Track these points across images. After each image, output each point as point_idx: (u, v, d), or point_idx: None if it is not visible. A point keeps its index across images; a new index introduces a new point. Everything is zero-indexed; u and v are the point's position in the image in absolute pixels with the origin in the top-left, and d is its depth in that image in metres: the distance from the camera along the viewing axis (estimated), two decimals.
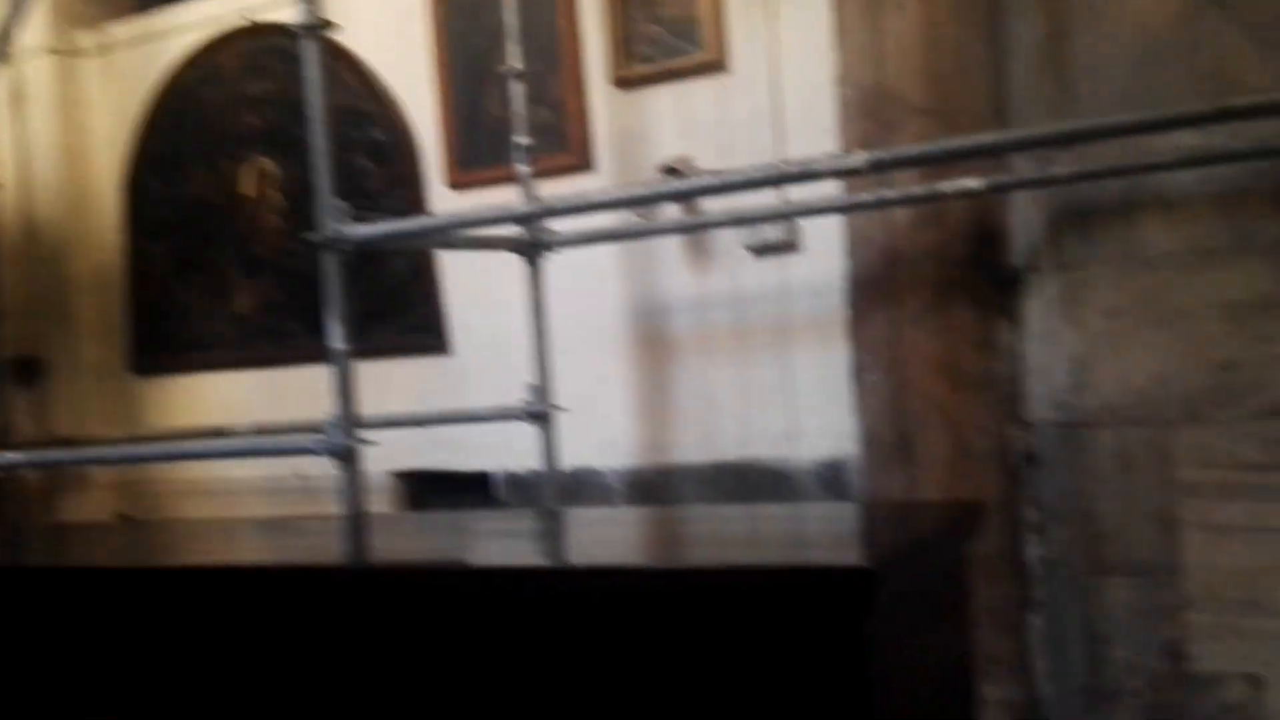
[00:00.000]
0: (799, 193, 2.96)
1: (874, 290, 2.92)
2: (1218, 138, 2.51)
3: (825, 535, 1.95)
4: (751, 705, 1.41)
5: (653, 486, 3.35)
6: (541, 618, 1.52)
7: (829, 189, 2.96)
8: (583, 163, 3.44)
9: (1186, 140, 2.54)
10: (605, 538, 2.09)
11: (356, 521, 2.36)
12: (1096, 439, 2.74)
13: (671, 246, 3.35)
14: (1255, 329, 2.58)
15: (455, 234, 2.97)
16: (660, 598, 1.46)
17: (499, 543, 2.08)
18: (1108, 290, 2.69)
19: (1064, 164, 2.66)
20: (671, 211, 3.21)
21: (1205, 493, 2.66)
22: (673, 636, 1.44)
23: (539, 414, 3.00)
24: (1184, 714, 2.77)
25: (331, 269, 2.47)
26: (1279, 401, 2.58)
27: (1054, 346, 2.78)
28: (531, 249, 3.02)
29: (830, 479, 3.10)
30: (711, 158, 3.25)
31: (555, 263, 3.19)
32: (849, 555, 1.72)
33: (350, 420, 2.39)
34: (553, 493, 3.00)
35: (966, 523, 1.98)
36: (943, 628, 1.89)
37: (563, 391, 3.14)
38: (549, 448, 3.01)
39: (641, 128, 3.41)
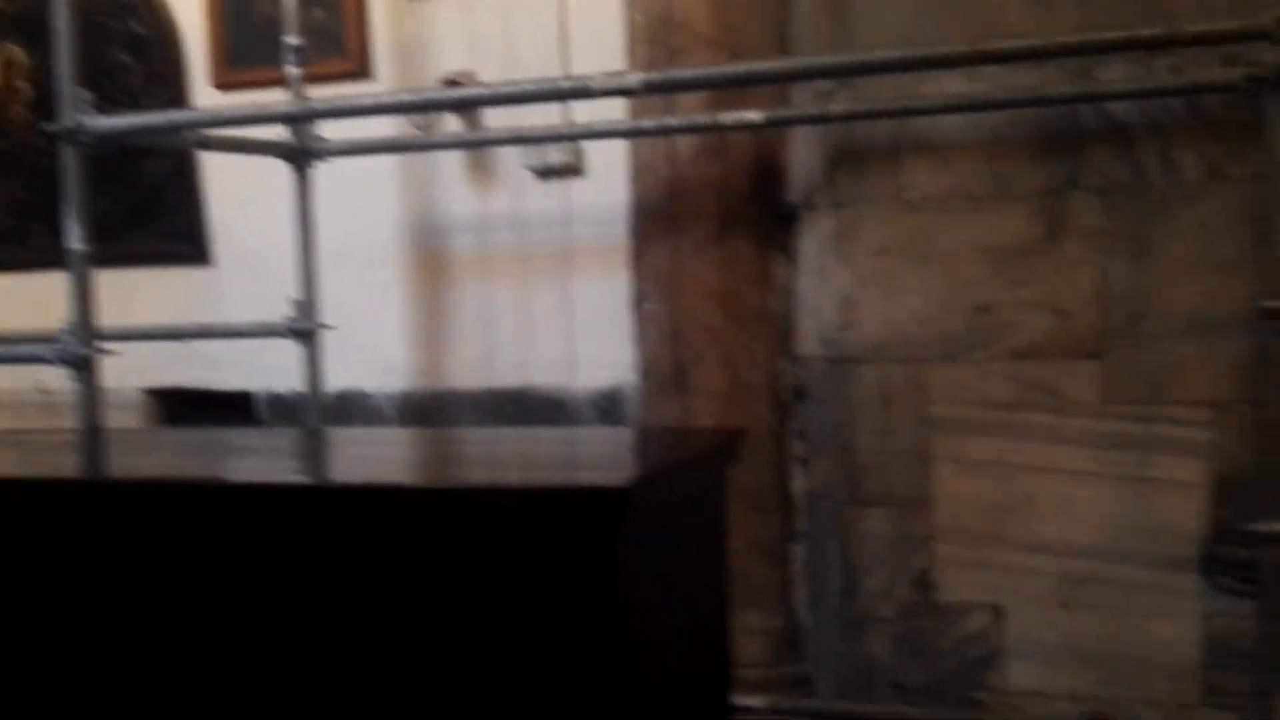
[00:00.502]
0: (583, 115, 2.96)
1: (656, 220, 2.95)
2: (982, 86, 2.65)
3: (582, 457, 1.98)
4: (509, 622, 1.43)
5: (426, 412, 3.30)
6: (292, 536, 1.49)
7: (615, 113, 2.97)
8: (360, 70, 3.31)
9: (953, 87, 2.67)
10: (364, 457, 2.06)
11: (92, 435, 2.24)
12: (860, 375, 2.87)
13: (452, 164, 3.28)
14: (1010, 274, 2.75)
15: (215, 135, 2.82)
16: (419, 516, 1.46)
17: (249, 460, 2.02)
18: (876, 230, 2.81)
19: (840, 103, 2.75)
20: (453, 126, 3.15)
21: (957, 429, 2.83)
22: (432, 555, 1.45)
23: (303, 331, 2.91)
24: (931, 641, 2.96)
25: (72, 163, 2.31)
26: (1029, 344, 2.77)
27: (825, 284, 2.89)
28: (299, 156, 2.90)
29: (608, 408, 3.13)
30: (496, 75, 3.17)
31: (328, 174, 3.08)
32: (602, 476, 1.75)
33: (88, 328, 2.25)
34: (317, 414, 2.92)
35: (725, 449, 2.04)
36: (698, 552, 1.94)
37: (332, 310, 3.05)
38: (313, 367, 2.92)
39: (425, 39, 3.30)
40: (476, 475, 1.86)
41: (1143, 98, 2.57)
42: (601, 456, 2.06)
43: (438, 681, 1.45)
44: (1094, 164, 2.67)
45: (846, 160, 2.80)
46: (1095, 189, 2.67)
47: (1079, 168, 2.68)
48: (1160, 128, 2.61)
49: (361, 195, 3.29)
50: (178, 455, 2.10)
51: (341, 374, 3.16)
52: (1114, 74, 2.62)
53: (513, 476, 1.77)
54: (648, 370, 3.00)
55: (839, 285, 2.86)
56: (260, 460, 2.00)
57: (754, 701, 2.91)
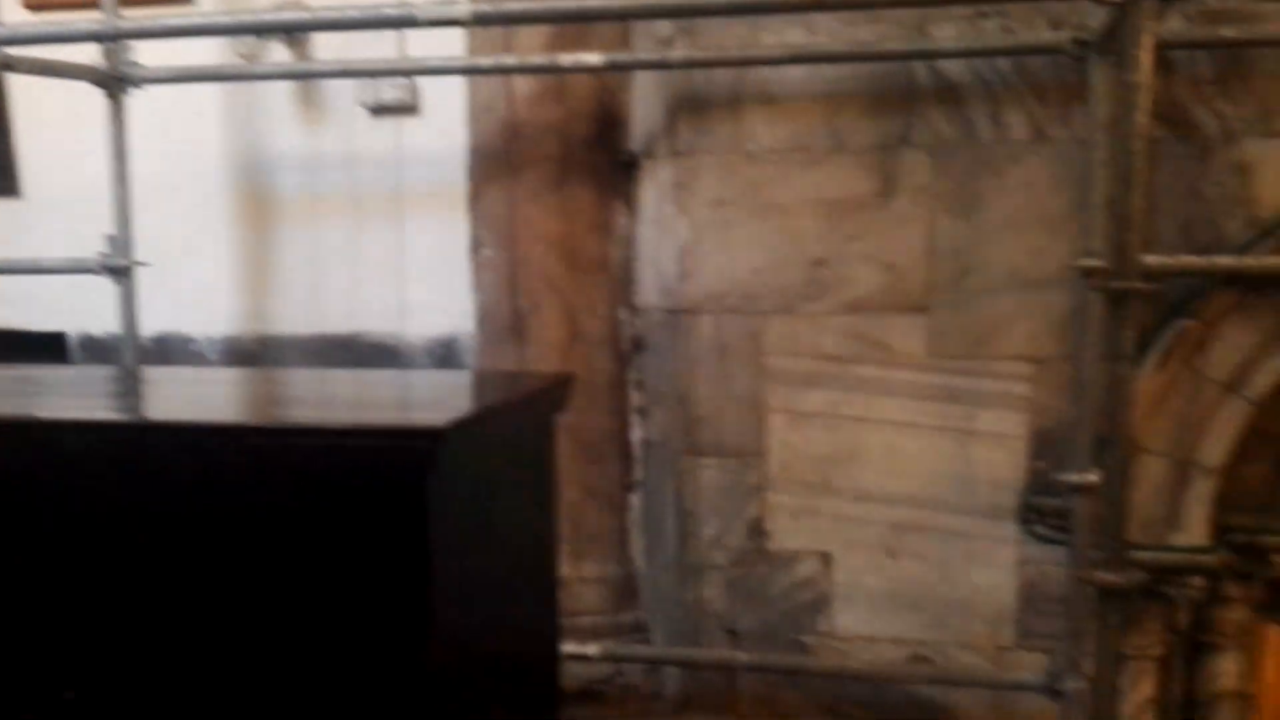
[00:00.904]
0: (420, 51, 2.89)
1: (494, 163, 2.91)
2: (821, 39, 2.68)
3: (402, 399, 1.96)
4: (323, 566, 1.42)
5: (251, 358, 3.21)
6: (106, 474, 1.46)
7: (453, 50, 2.90)
8: None
9: (793, 39, 2.69)
10: (179, 396, 2.00)
11: None
12: (698, 326, 2.90)
13: (280, 98, 3.17)
14: (844, 228, 2.80)
15: (21, 56, 2.65)
16: (230, 455, 1.44)
17: (58, 397, 1.93)
18: (715, 181, 2.83)
19: (680, 50, 2.75)
20: (280, 57, 3.04)
21: (791, 381, 2.89)
22: (247, 497, 1.43)
23: (118, 269, 2.78)
24: (763, 588, 3.05)
25: None
26: (861, 298, 2.83)
27: (665, 234, 2.90)
28: (112, 82, 2.75)
29: (444, 357, 3.10)
30: (332, 3, 3.08)
31: (147, 104, 2.94)
32: (418, 415, 1.73)
33: None
34: (133, 356, 2.81)
35: (553, 394, 2.04)
36: (525, 498, 1.94)
37: (151, 248, 2.92)
38: (129, 307, 2.80)
39: None
40: (291, 415, 1.83)
41: (973, 56, 2.64)
42: (423, 398, 2.04)
43: (251, 623, 1.44)
44: (926, 121, 2.73)
45: (687, 109, 2.81)
46: (927, 146, 2.74)
47: (912, 125, 2.74)
48: (990, 88, 2.69)
49: (183, 127, 3.16)
50: None
51: (162, 316, 3.04)
52: (947, 33, 2.68)
53: (328, 416, 1.75)
54: (484, 318, 2.98)
55: (678, 235, 2.88)
56: (71, 397, 1.92)
57: (588, 649, 2.95)
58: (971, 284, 2.77)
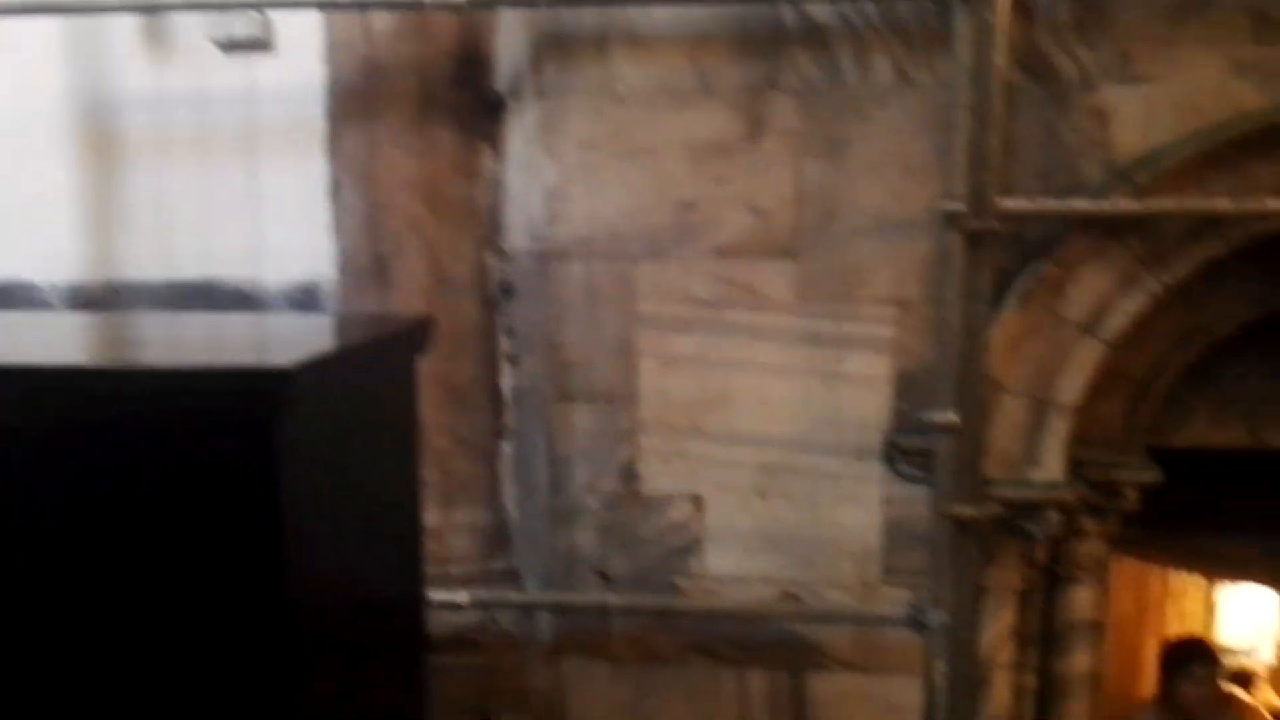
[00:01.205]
0: None
1: (352, 102, 2.82)
2: None
3: (252, 341, 1.92)
4: (173, 510, 1.39)
5: (100, 305, 3.08)
6: None
7: None
8: None
9: None
10: (13, 340, 1.91)
11: None
12: (567, 270, 2.88)
13: (125, 32, 3.01)
14: (713, 171, 2.80)
15: None
16: (74, 399, 1.39)
17: None
18: (583, 123, 2.80)
19: None
20: None
21: (662, 326, 2.91)
22: (93, 443, 1.39)
23: None
24: (635, 531, 3.08)
25: None
26: (730, 242, 2.85)
27: (532, 177, 2.86)
28: None
29: (303, 303, 3.02)
30: None
31: None
32: (265, 357, 1.70)
33: None
34: None
35: (411, 337, 2.02)
36: (386, 444, 1.92)
37: None
38: None
39: None
40: (135, 357, 1.77)
41: (839, 1, 2.65)
42: (275, 340, 2.01)
43: (99, 574, 1.41)
44: (793, 64, 2.73)
45: (553, 49, 2.76)
46: (794, 89, 2.74)
47: (779, 68, 2.74)
48: (856, 31, 2.70)
49: (22, 66, 3.00)
50: None
51: (2, 265, 2.91)
52: None
53: (173, 358, 1.71)
54: (346, 263, 2.91)
55: (545, 178, 2.84)
56: None
57: (459, 596, 2.95)
58: (838, 228, 2.81)
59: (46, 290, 3.09)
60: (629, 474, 3.02)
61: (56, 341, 1.91)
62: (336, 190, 2.89)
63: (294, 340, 1.96)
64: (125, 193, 3.09)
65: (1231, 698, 4.28)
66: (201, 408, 1.37)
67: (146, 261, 3.07)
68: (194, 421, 1.36)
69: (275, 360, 1.49)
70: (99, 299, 3.09)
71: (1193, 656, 3.42)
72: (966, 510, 2.44)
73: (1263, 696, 4.45)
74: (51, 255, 3.08)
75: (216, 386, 1.39)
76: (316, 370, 1.48)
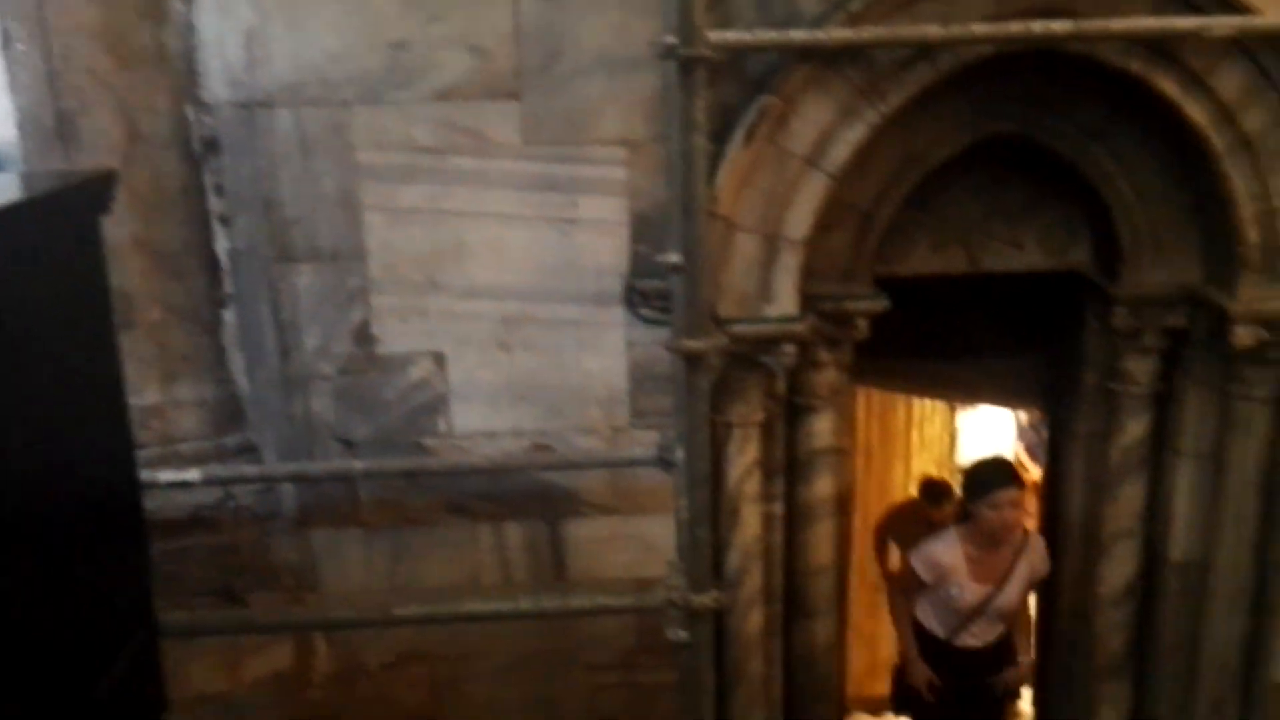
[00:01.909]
0: None
1: None
2: None
3: None
4: None
5: None
6: None
7: None
8: None
9: None
10: None
11: None
12: (275, 120, 2.73)
13: None
14: (425, 9, 2.68)
15: None
16: None
17: None
18: None
19: None
20: None
21: (384, 176, 2.81)
22: None
23: None
24: (376, 394, 3.02)
25: None
26: (449, 85, 2.76)
27: (227, 17, 2.67)
28: None
29: None
30: None
31: None
32: None
33: None
34: None
35: (88, 194, 1.87)
36: (66, 310, 1.79)
37: None
38: None
39: None
40: None
41: None
42: None
43: None
44: None
45: None
46: None
47: None
48: None
49: None
50: None
51: None
52: None
53: None
54: (25, 123, 2.66)
55: (241, 19, 2.65)
56: None
57: (190, 475, 2.84)
58: (562, 67, 2.76)
59: None
60: (364, 335, 2.95)
61: None
62: (7, 42, 2.63)
63: None
64: None
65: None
66: None
67: None
68: None
69: None
70: None
71: (993, 480, 3.53)
72: (694, 345, 2.47)
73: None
74: None
75: None
76: None
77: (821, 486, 3.35)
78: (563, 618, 3.13)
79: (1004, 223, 3.23)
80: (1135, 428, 3.31)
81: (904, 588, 3.95)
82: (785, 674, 3.55)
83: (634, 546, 3.17)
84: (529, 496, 3.14)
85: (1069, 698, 3.84)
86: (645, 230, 2.90)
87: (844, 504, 3.52)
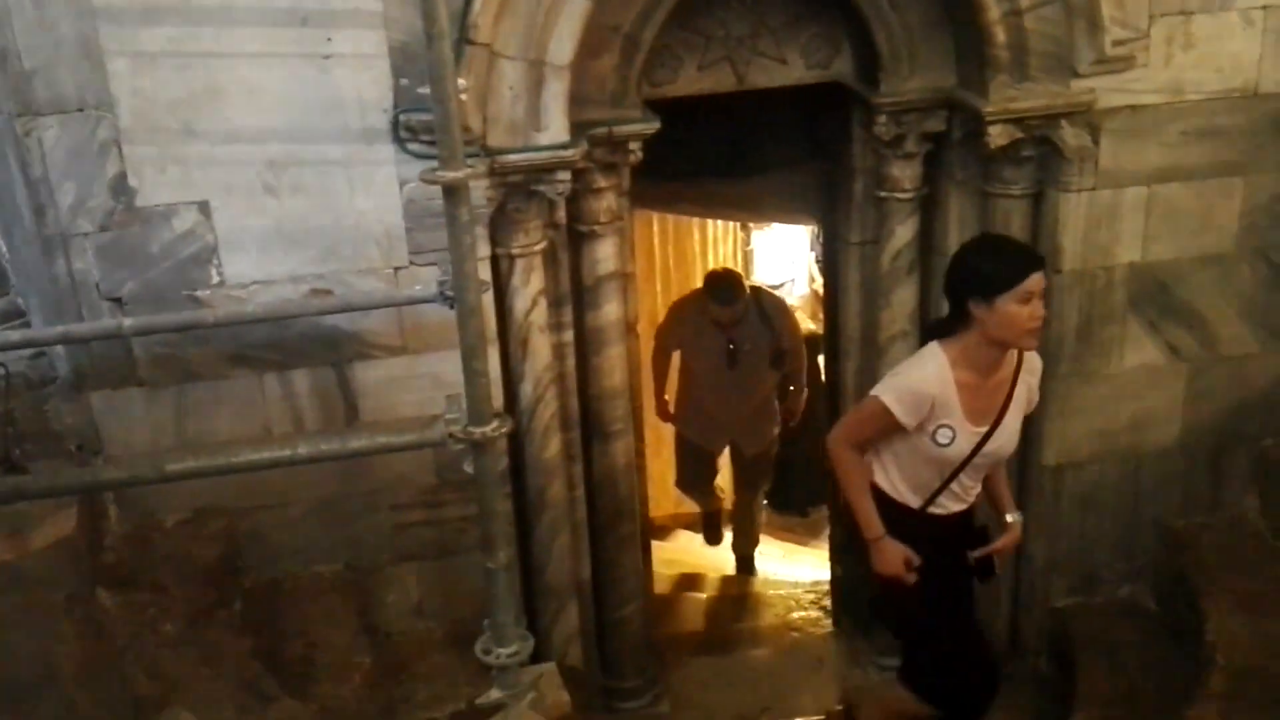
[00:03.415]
0: None
1: None
2: None
3: None
4: None
5: None
6: None
7: None
8: None
9: None
10: None
11: None
12: None
13: None
14: None
15: None
16: None
17: None
18: None
19: None
20: None
21: (124, 19, 2.80)
22: None
23: None
24: (141, 248, 3.05)
25: None
26: None
27: None
28: None
29: None
30: None
31: None
32: None
33: None
34: None
35: None
36: None
37: None
38: None
39: None
40: None
41: None
42: None
43: None
44: None
45: None
46: None
47: None
48: None
49: None
50: None
51: None
52: None
53: None
54: None
55: None
56: None
57: None
58: None
59: None
60: (121, 188, 2.97)
61: None
62: None
63: None
64: None
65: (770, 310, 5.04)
66: None
67: None
68: None
69: None
70: None
71: (1019, 263, 3.67)
72: (451, 175, 2.53)
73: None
74: None
75: None
76: None
77: (608, 311, 3.57)
78: (358, 460, 3.28)
79: (770, 39, 3.44)
80: (903, 233, 3.63)
81: (854, 439, 3.00)
82: (587, 497, 3.83)
83: (425, 385, 3.32)
84: (313, 342, 3.25)
85: None
86: (406, 63, 2.98)
87: (631, 327, 3.76)
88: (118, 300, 3.07)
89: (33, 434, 3.16)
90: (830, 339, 4.20)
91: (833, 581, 4.61)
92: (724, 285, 4.96)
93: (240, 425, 3.29)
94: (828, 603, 4.71)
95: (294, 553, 3.49)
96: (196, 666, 3.38)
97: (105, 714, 3.16)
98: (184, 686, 3.15)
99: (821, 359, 4.97)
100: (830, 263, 4.14)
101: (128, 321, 3.01)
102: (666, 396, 5.27)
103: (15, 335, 3.01)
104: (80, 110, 2.86)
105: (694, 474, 5.60)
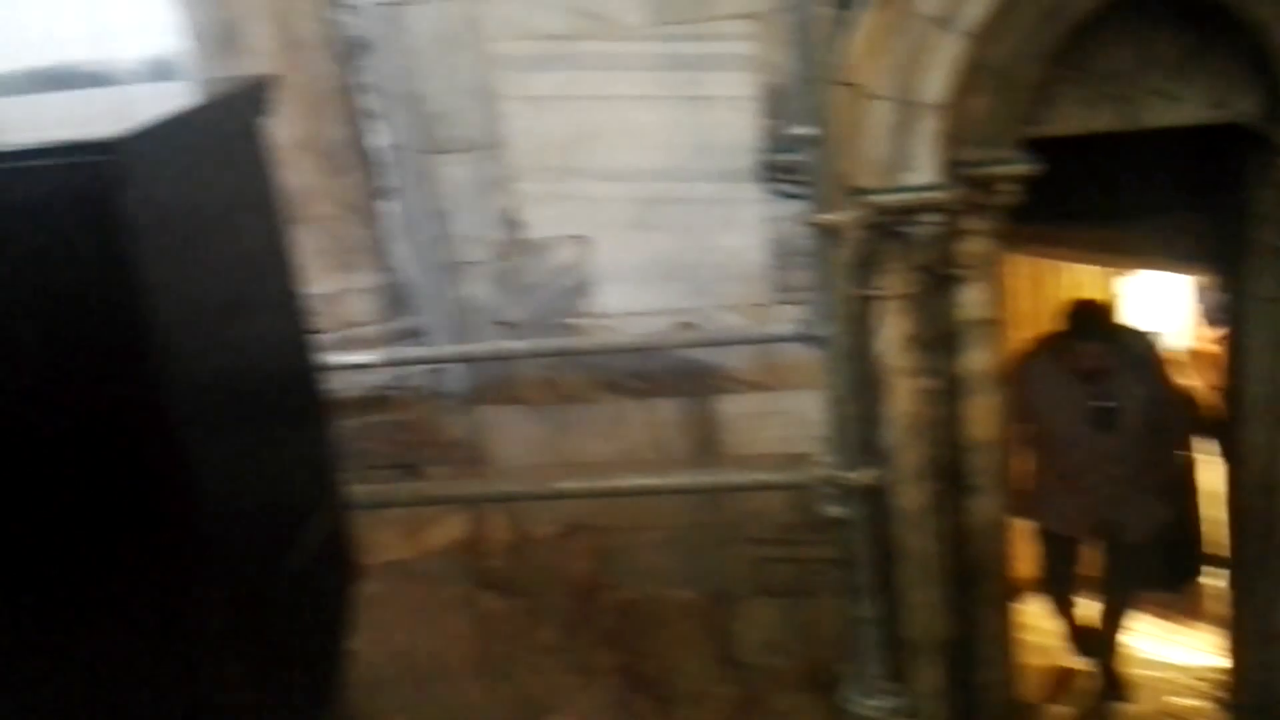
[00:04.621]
0: None
1: None
2: None
3: (82, 115, 1.97)
4: (29, 296, 1.43)
5: None
6: None
7: None
8: None
9: None
10: None
11: None
12: (415, 17, 2.98)
13: None
14: None
15: None
16: None
17: None
18: None
19: None
20: None
21: (518, 66, 3.03)
22: None
23: None
24: (525, 277, 3.28)
25: None
26: None
27: None
28: None
29: (159, 79, 3.14)
30: None
31: None
32: (96, 129, 1.55)
33: None
34: None
35: (249, 97, 2.01)
36: (240, 207, 1.94)
37: None
38: None
39: None
40: None
41: None
42: (109, 112, 2.05)
43: None
44: None
45: None
46: None
47: None
48: None
49: None
50: None
51: None
52: None
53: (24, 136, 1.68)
54: (198, 33, 3.01)
55: None
56: None
57: (368, 357, 3.18)
58: None
59: None
60: (512, 221, 3.20)
61: None
62: None
63: (128, 110, 1.94)
64: None
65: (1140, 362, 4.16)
66: (41, 187, 1.38)
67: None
68: (36, 202, 1.38)
69: (107, 131, 1.45)
70: None
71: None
72: (830, 218, 2.56)
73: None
74: None
75: (48, 164, 1.39)
76: (152, 138, 1.49)
77: (976, 359, 3.39)
78: (720, 492, 3.34)
79: (1159, 75, 3.17)
80: None
81: None
82: (950, 552, 3.65)
83: (784, 422, 3.32)
84: (677, 374, 3.34)
85: (1262, 577, 3.80)
86: (775, 103, 3.00)
87: (1002, 377, 3.56)
88: (505, 324, 3.30)
89: (427, 442, 3.45)
90: (1233, 403, 3.79)
91: (1233, 671, 4.12)
92: (1091, 317, 4.10)
93: (606, 448, 3.42)
94: (1219, 693, 4.21)
95: (652, 575, 3.57)
96: (568, 674, 3.53)
97: (495, 709, 3.35)
98: (560, 693, 3.29)
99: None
100: (1233, 319, 3.74)
101: (514, 344, 3.24)
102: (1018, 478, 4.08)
103: (421, 352, 3.30)
104: (477, 149, 3.10)
105: (1057, 573, 4.41)
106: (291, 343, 2.14)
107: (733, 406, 3.37)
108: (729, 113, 3.03)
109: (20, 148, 1.46)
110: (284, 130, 3.00)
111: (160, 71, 3.10)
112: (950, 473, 3.60)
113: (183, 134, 1.69)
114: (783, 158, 3.09)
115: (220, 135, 1.90)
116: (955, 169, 3.14)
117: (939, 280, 3.39)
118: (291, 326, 2.14)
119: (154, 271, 1.45)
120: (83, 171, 1.38)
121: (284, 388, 2.08)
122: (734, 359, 3.31)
